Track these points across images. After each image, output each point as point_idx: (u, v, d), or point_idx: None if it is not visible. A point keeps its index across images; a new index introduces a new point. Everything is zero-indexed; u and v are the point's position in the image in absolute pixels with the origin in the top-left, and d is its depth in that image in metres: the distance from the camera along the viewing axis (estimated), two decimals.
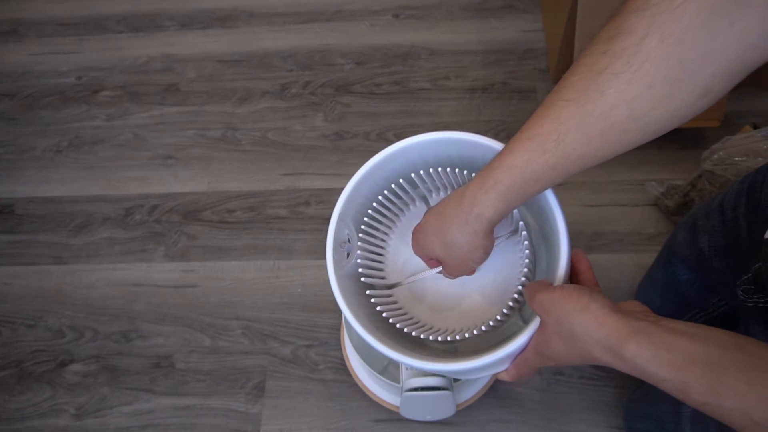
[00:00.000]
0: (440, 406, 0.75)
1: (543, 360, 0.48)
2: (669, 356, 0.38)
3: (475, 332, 0.54)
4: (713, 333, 0.38)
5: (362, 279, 0.59)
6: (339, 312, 0.84)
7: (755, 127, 0.94)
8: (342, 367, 0.87)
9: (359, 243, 0.62)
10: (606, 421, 0.82)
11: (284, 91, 1.22)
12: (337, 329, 0.91)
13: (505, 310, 0.54)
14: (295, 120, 1.17)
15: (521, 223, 0.57)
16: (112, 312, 0.96)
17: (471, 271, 0.57)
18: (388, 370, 0.82)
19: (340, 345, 0.89)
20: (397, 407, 0.78)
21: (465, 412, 0.82)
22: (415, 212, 0.66)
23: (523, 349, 0.50)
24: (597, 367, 0.86)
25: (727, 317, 0.69)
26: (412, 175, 0.61)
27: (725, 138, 0.91)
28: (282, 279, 0.98)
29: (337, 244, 0.59)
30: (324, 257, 1.00)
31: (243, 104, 1.21)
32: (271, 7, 1.37)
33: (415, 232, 0.58)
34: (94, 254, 1.03)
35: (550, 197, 0.53)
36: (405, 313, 0.60)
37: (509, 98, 1.15)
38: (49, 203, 1.10)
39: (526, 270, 0.55)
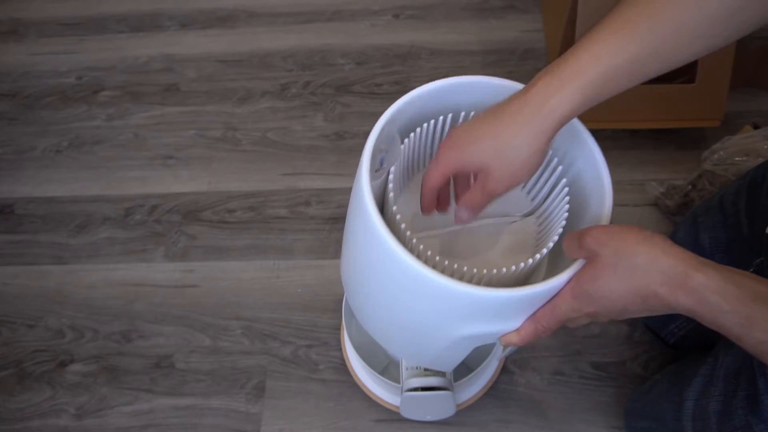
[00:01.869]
0: (440, 406, 0.76)
1: (579, 304, 0.45)
2: (737, 290, 0.38)
3: (504, 270, 0.48)
4: None
5: (390, 194, 0.53)
6: (339, 312, 0.84)
7: (755, 127, 0.94)
8: (342, 367, 0.87)
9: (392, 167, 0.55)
10: (606, 421, 0.82)
11: (284, 91, 1.22)
12: (337, 329, 0.91)
13: (543, 250, 0.49)
14: (295, 120, 1.17)
15: (560, 168, 0.54)
16: (112, 312, 0.96)
17: (513, 185, 0.49)
18: (388, 370, 0.82)
19: (340, 345, 0.89)
20: (397, 407, 0.78)
21: (465, 412, 0.82)
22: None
23: (553, 298, 0.46)
24: (597, 367, 0.86)
25: None
26: (473, 112, 0.56)
27: (725, 138, 0.91)
28: (282, 279, 0.98)
29: (379, 143, 0.52)
30: (324, 257, 1.01)
31: (243, 104, 1.21)
32: (271, 7, 1.37)
33: (452, 135, 0.48)
34: (95, 254, 1.03)
35: (588, 139, 0.52)
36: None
37: None
38: (49, 203, 1.10)
39: (567, 215, 0.52)
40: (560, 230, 0.51)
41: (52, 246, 1.05)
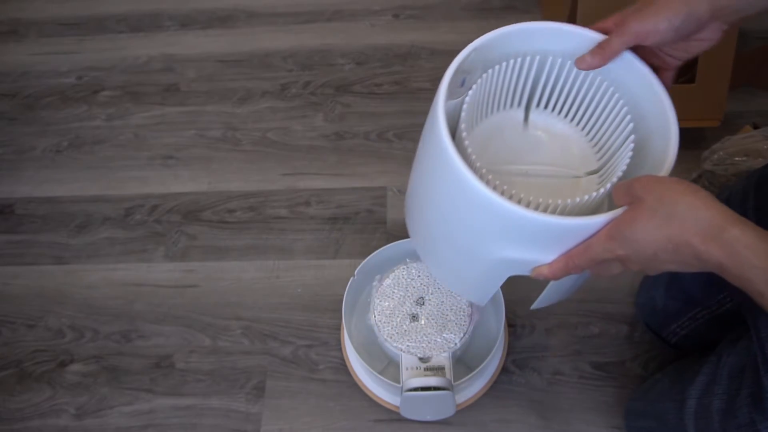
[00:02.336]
0: (440, 406, 0.76)
1: (612, 245, 0.46)
2: None
3: (550, 201, 0.50)
4: None
5: (463, 113, 0.55)
6: (339, 312, 0.84)
7: (755, 127, 0.94)
8: (342, 367, 0.87)
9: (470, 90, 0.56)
10: (606, 421, 0.82)
11: (284, 91, 1.22)
12: (337, 329, 0.91)
13: (600, 189, 0.51)
14: (295, 120, 1.17)
15: (631, 125, 0.55)
16: (112, 312, 0.96)
17: (645, 27, 0.52)
18: (388, 370, 0.82)
19: (340, 345, 0.89)
20: (397, 407, 0.78)
21: (465, 412, 0.82)
22: (507, 116, 0.62)
23: (588, 238, 0.48)
24: (597, 367, 0.86)
25: (731, 314, 0.69)
26: (560, 60, 0.57)
27: (725, 138, 0.91)
28: (282, 279, 0.98)
29: (463, 65, 0.53)
30: (324, 257, 1.01)
31: (243, 104, 1.21)
32: (271, 7, 1.37)
33: None
34: (95, 254, 1.03)
35: (665, 99, 0.54)
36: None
37: None
38: (49, 203, 1.10)
39: (629, 160, 0.53)
40: (615, 179, 0.52)
41: (52, 246, 1.05)
